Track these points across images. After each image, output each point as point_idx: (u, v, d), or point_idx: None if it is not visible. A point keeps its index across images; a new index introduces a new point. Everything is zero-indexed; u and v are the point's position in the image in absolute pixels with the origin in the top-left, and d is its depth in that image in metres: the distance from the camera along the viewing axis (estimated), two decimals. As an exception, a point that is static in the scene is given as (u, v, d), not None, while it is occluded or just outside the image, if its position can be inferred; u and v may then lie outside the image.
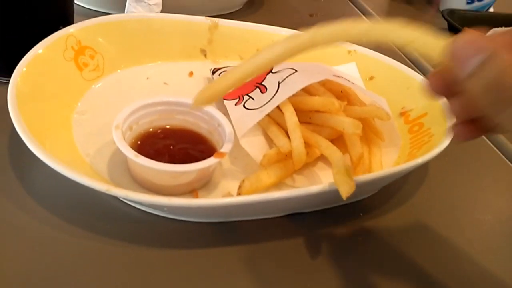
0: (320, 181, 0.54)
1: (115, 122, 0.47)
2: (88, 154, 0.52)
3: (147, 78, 0.67)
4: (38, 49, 0.56)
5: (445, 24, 1.07)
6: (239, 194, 0.46)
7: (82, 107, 0.59)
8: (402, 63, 0.72)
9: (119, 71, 0.66)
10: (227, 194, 0.50)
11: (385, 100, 0.60)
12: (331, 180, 0.53)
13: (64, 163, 0.44)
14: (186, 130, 0.55)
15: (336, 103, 0.54)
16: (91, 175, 0.47)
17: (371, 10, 1.16)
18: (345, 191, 0.42)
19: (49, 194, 0.48)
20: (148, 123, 0.53)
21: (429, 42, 0.32)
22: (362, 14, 1.14)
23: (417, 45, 0.32)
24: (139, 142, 0.51)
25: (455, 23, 0.98)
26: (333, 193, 0.45)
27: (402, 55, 0.90)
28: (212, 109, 0.54)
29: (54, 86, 0.56)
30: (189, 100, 0.53)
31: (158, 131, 0.53)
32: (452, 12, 1.03)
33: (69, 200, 0.47)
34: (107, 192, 0.41)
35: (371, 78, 0.73)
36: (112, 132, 0.46)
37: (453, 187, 0.60)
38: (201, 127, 0.54)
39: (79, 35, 0.62)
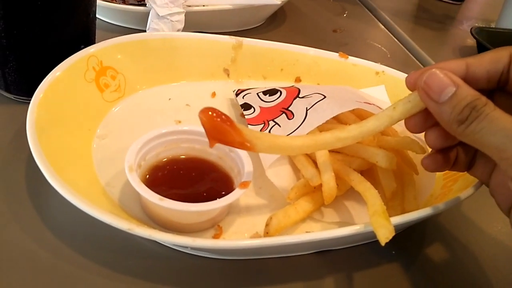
0: (350, 214, 0.51)
1: (126, 162, 0.45)
2: (108, 183, 0.50)
3: (169, 99, 0.65)
4: (57, 72, 0.54)
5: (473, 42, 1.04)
6: (266, 233, 0.44)
7: (103, 131, 0.57)
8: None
9: (140, 91, 0.64)
10: (253, 230, 0.47)
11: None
12: (362, 213, 0.51)
13: (83, 196, 0.42)
14: (194, 159, 0.52)
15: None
16: (111, 209, 0.44)
17: (395, 26, 1.12)
18: (384, 236, 0.39)
19: (66, 226, 0.46)
20: (154, 156, 0.50)
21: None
22: (386, 29, 1.11)
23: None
24: (147, 176, 0.48)
25: (484, 41, 0.95)
26: (367, 234, 0.43)
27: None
28: None
29: (74, 109, 0.54)
30: (192, 126, 0.51)
31: (165, 164, 0.50)
32: (481, 30, 0.99)
33: (87, 233, 0.45)
34: (129, 231, 0.39)
35: (401, 101, 0.70)
36: (127, 175, 0.43)
37: (489, 220, 0.57)
38: (210, 154, 0.52)
39: (101, 55, 0.61)
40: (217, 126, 0.38)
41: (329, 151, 0.51)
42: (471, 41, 1.08)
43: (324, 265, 0.47)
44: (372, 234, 0.41)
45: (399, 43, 1.04)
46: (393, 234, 0.40)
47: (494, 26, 1.15)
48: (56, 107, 0.52)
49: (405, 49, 1.01)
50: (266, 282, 0.44)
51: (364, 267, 0.48)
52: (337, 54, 0.73)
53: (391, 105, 0.42)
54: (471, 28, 0.99)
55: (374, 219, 0.41)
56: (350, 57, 0.73)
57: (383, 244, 0.39)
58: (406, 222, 0.44)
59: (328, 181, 0.48)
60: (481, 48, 0.97)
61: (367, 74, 0.72)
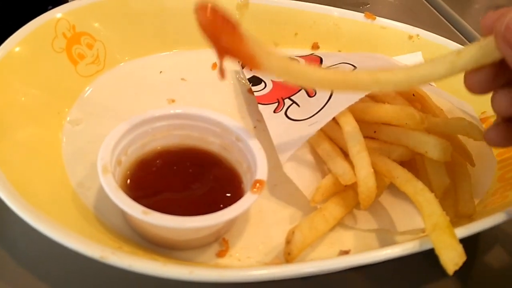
0: (390, 219, 0.41)
1: (100, 161, 0.34)
2: (82, 183, 0.39)
3: (160, 72, 0.53)
4: (15, 39, 0.42)
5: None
6: (288, 253, 0.33)
7: (76, 114, 0.46)
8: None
9: (122, 64, 0.53)
10: (268, 243, 0.37)
11: (472, 108, 0.46)
12: (405, 217, 0.41)
13: (44, 206, 0.32)
14: (191, 150, 0.41)
15: (416, 115, 0.39)
16: (82, 223, 0.34)
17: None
18: (452, 261, 0.29)
19: (36, 254, 0.34)
20: (140, 148, 0.39)
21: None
22: None
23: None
24: (129, 176, 0.37)
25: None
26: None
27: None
28: (225, 118, 0.40)
29: (38, 88, 0.43)
30: (188, 108, 0.40)
31: (154, 158, 0.39)
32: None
33: (63, 261, 0.34)
34: (102, 261, 0.28)
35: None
36: (100, 179, 0.32)
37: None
38: (211, 143, 0.41)
39: (74, 18, 0.49)
40: (215, 25, 0.30)
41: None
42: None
43: (358, 284, 0.37)
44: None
45: (426, 3, 0.91)
46: (464, 258, 0.29)
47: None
48: (13, 85, 0.41)
49: (433, 9, 0.88)
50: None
51: (408, 284, 0.37)
52: (362, 14, 0.61)
53: (454, 50, 0.32)
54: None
55: (435, 236, 0.30)
56: (378, 17, 0.61)
57: (451, 273, 0.29)
58: (473, 233, 0.34)
59: (366, 180, 0.37)
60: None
61: (399, 39, 0.61)
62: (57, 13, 0.48)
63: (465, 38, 0.77)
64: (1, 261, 0.33)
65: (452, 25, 0.84)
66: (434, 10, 0.88)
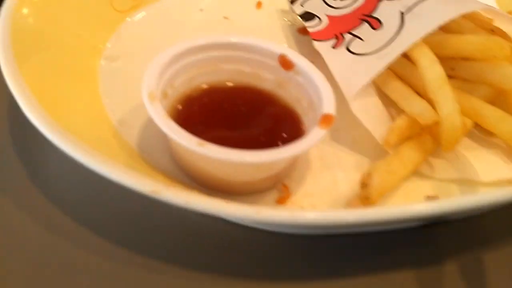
0: (472, 168, 0.35)
1: (145, 88, 0.30)
2: (123, 121, 0.35)
3: (201, 9, 0.49)
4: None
5: None
6: (366, 198, 0.28)
7: (113, 51, 0.42)
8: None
9: (162, -1, 0.48)
10: (333, 191, 0.32)
11: None
12: (491, 166, 0.35)
13: (84, 141, 0.27)
14: (243, 87, 0.36)
15: (506, 45, 0.34)
16: (126, 159, 0.30)
17: None
18: None
19: (66, 188, 0.31)
20: (187, 82, 0.35)
21: None
22: None
23: None
24: (179, 110, 0.33)
25: None
26: None
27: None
28: (281, 48, 0.35)
29: (71, 22, 0.39)
30: (240, 38, 0.36)
31: (202, 94, 0.35)
32: None
33: (95, 199, 0.31)
34: (153, 196, 0.24)
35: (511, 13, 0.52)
36: (147, 106, 0.28)
37: None
38: (265, 79, 0.36)
39: None
40: None
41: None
42: None
43: (437, 241, 0.32)
44: None
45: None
46: None
47: None
48: (44, 19, 0.37)
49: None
50: (360, 264, 0.30)
51: (493, 242, 0.32)
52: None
53: None
54: None
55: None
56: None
57: None
58: None
59: (451, 117, 0.32)
60: None
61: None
62: None
63: None
64: (35, 200, 0.30)
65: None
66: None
